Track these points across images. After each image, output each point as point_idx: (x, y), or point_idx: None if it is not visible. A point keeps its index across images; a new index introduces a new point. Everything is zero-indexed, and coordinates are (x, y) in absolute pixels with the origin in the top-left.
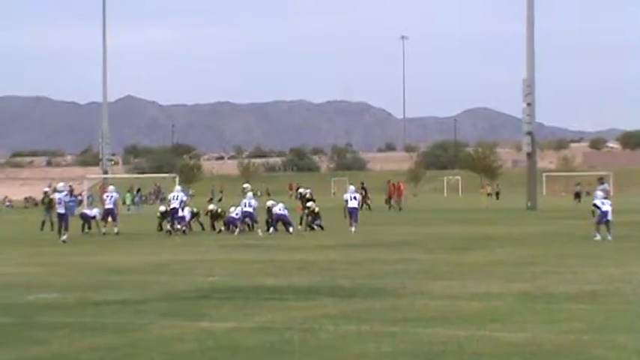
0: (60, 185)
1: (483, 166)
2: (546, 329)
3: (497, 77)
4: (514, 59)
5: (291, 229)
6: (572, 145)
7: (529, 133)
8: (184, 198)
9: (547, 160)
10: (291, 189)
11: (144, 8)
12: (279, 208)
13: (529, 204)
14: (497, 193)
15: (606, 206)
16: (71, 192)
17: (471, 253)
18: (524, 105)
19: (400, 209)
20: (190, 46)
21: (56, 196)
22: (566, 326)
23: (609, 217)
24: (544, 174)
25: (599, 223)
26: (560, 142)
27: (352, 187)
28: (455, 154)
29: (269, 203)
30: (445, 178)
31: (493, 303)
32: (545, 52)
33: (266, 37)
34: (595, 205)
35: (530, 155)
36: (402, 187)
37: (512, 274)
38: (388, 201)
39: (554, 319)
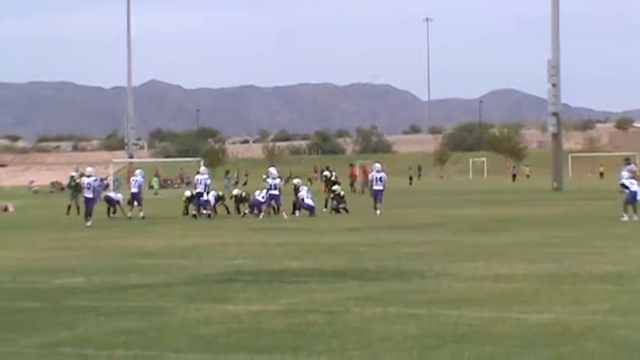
0: (88, 170)
1: (508, 147)
2: (572, 310)
3: (523, 58)
4: (539, 40)
5: (316, 213)
6: (598, 125)
7: (554, 114)
8: (208, 182)
9: (573, 141)
10: (315, 172)
11: None
12: (306, 196)
13: (555, 185)
14: (515, 175)
15: (635, 186)
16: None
17: (497, 234)
18: (550, 86)
19: (363, 192)
20: (214, 29)
21: (84, 180)
22: (592, 307)
23: (638, 197)
24: (570, 155)
25: (627, 203)
26: (586, 122)
27: (378, 165)
28: (480, 136)
29: (295, 181)
30: (470, 160)
31: (518, 284)
32: (571, 32)
33: (290, 20)
34: (623, 185)
35: (556, 136)
36: (367, 171)
37: (537, 255)
38: (352, 185)
39: (579, 300)
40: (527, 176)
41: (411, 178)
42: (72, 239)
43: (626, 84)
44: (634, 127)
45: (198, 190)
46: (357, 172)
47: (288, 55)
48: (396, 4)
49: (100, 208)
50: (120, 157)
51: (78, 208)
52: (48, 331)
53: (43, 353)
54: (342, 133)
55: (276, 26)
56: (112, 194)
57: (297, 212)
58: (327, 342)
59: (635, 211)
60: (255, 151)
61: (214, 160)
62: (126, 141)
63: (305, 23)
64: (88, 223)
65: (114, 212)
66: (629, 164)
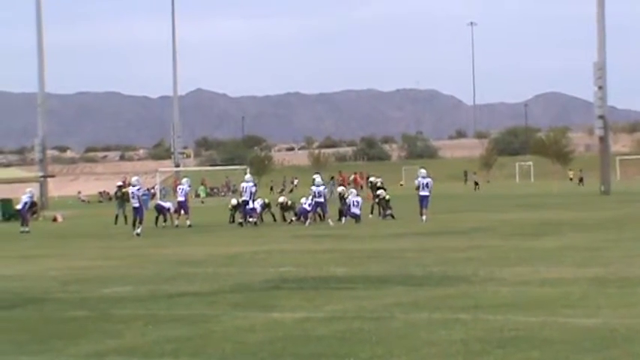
0: (134, 179)
1: (555, 151)
2: (620, 314)
3: (568, 61)
4: (585, 42)
5: (361, 220)
6: None
7: (601, 117)
8: (253, 189)
9: (620, 144)
10: (362, 178)
11: (211, 0)
12: (354, 203)
13: (603, 188)
14: (581, 179)
15: None
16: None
17: (544, 238)
18: (596, 88)
19: None
20: (259, 37)
21: (130, 190)
22: None
23: None
24: (617, 158)
25: None
26: (634, 124)
27: (423, 171)
28: (526, 140)
29: (340, 189)
30: (517, 164)
31: (565, 288)
32: (618, 33)
33: (333, 26)
34: None
35: (603, 139)
36: (357, 178)
37: (585, 258)
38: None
39: (627, 304)
40: (571, 179)
41: (476, 183)
42: (120, 248)
43: None
44: None
45: (244, 198)
46: (344, 179)
47: (332, 62)
48: (440, 8)
49: (147, 216)
50: (166, 166)
51: (125, 217)
52: (96, 339)
53: None
54: (387, 139)
55: (320, 33)
56: (162, 202)
57: (343, 219)
58: (372, 348)
59: None
60: (301, 158)
61: (260, 167)
62: (172, 150)
63: (348, 29)
64: (138, 230)
65: (164, 220)
66: None
